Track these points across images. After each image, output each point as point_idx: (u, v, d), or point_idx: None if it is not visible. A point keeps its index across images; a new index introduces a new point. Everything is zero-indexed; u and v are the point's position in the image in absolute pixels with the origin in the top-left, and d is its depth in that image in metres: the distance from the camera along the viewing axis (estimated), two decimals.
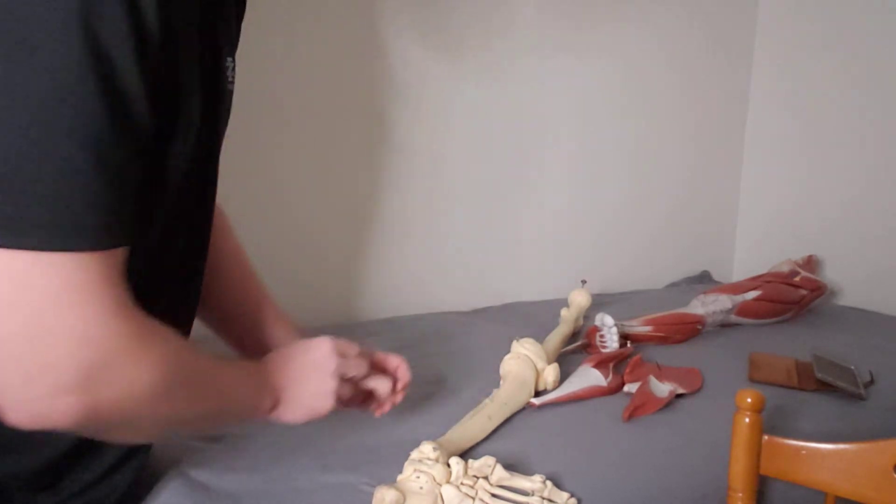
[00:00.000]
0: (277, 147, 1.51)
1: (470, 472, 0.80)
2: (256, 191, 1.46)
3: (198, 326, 0.86)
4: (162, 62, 0.58)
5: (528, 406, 1.09)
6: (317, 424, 0.96)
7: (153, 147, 0.60)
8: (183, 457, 0.89)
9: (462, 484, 0.78)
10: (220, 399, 0.70)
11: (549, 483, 0.81)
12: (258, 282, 0.97)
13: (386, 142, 1.64)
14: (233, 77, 0.77)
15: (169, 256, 0.71)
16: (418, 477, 0.78)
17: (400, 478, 0.80)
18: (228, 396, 0.71)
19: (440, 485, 0.78)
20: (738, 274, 2.10)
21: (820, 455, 0.86)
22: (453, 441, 0.91)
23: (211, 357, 0.68)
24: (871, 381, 1.26)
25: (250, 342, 0.93)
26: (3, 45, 0.51)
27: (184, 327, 0.79)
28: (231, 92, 0.77)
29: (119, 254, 0.56)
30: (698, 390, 1.20)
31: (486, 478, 0.80)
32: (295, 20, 1.50)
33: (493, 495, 0.79)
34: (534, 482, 0.80)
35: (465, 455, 0.91)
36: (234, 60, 0.77)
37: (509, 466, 0.85)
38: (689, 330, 1.48)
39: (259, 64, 1.43)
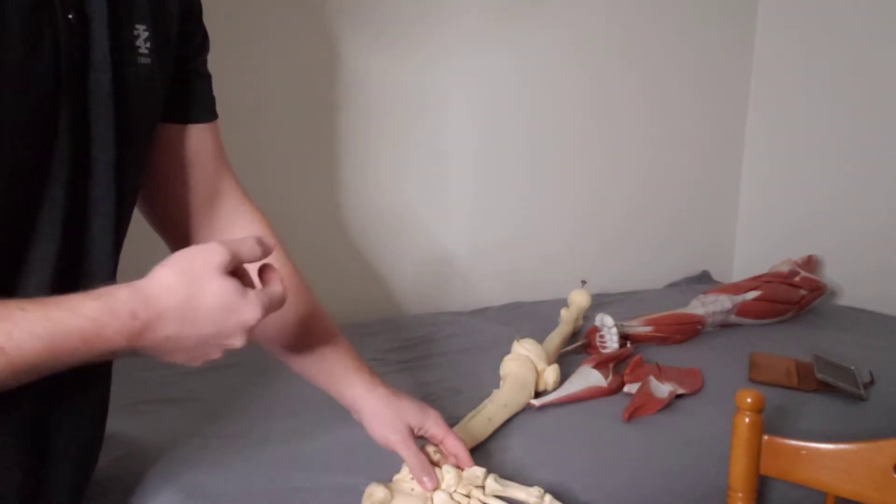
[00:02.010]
0: (273, 155, 1.51)
1: (464, 481, 0.79)
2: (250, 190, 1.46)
3: None
4: None
5: (528, 407, 1.09)
6: (317, 425, 0.96)
7: None
8: (178, 458, 0.89)
9: (455, 492, 0.77)
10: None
11: (547, 497, 0.79)
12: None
13: (387, 141, 1.64)
14: (148, 49, 0.69)
15: None
16: (412, 478, 0.78)
17: (396, 477, 0.80)
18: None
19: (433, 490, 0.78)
20: (738, 274, 2.10)
21: (820, 455, 0.86)
22: None
23: None
24: (871, 382, 1.26)
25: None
26: None
27: None
28: (147, 66, 0.70)
29: None
30: (698, 391, 1.20)
31: (481, 487, 0.79)
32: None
33: None
34: (530, 495, 0.78)
35: None
36: (150, 30, 0.69)
37: (509, 469, 0.85)
38: (689, 330, 1.48)
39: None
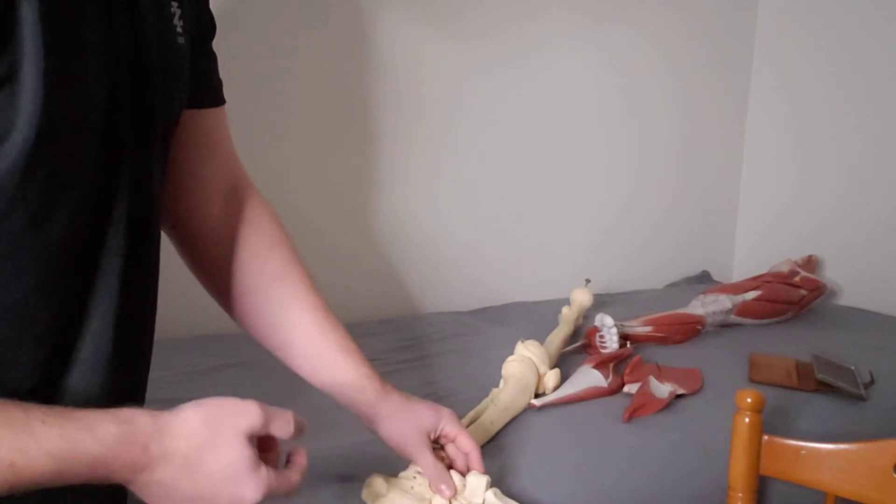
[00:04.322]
0: (274, 146, 1.51)
1: (465, 493, 0.78)
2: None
3: None
4: None
5: (528, 407, 1.09)
6: (319, 426, 0.96)
7: None
8: None
9: (455, 499, 0.77)
10: None
11: None
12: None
13: (387, 139, 1.64)
14: (183, 28, 0.65)
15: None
16: (415, 478, 0.78)
17: (401, 474, 0.80)
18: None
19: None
20: (738, 274, 2.10)
21: (820, 455, 0.86)
22: None
23: None
24: (871, 382, 1.26)
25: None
26: None
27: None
28: (182, 47, 0.65)
29: None
30: (698, 391, 1.20)
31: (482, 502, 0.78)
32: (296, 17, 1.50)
33: None
34: None
35: None
36: (182, 7, 0.65)
37: (507, 469, 0.85)
38: (689, 330, 1.48)
39: (263, 63, 1.44)
